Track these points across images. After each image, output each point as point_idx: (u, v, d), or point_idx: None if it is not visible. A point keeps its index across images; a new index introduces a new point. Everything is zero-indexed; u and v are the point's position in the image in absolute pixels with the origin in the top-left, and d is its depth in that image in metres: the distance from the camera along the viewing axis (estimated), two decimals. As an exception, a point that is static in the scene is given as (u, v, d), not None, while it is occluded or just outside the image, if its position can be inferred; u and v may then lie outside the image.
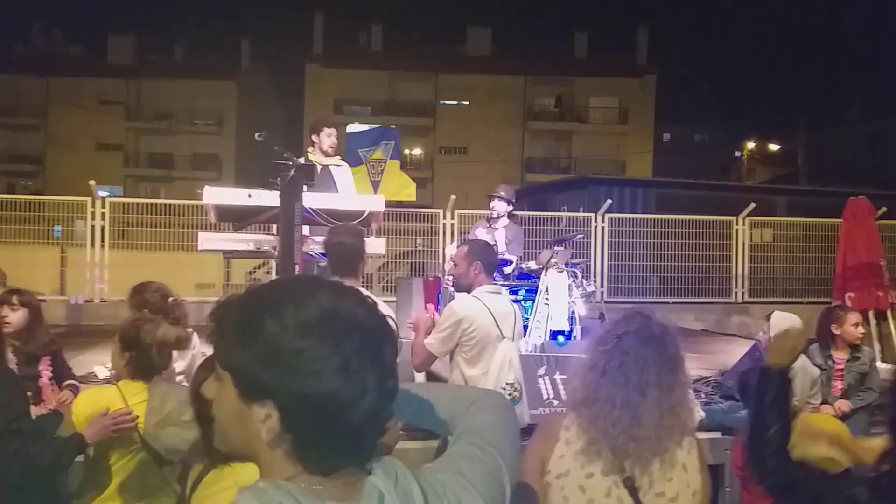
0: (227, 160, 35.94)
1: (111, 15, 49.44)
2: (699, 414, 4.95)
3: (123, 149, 36.52)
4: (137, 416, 2.55)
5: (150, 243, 10.05)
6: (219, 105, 36.50)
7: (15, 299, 3.50)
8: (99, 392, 2.78)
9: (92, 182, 9.35)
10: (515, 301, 6.11)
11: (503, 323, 3.34)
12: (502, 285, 6.12)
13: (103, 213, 9.43)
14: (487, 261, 3.52)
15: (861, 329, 4.85)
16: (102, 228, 9.43)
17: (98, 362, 5.12)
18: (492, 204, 6.58)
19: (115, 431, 2.52)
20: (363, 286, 10.12)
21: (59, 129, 35.43)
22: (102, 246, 9.42)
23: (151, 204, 10.64)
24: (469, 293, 3.46)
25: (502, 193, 6.62)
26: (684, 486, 1.80)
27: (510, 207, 6.64)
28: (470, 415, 1.19)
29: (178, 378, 3.61)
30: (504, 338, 3.33)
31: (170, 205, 10.26)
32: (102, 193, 9.90)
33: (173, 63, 38.18)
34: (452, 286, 5.96)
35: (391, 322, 0.98)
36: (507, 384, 3.23)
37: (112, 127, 35.55)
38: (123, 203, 10.39)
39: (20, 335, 3.47)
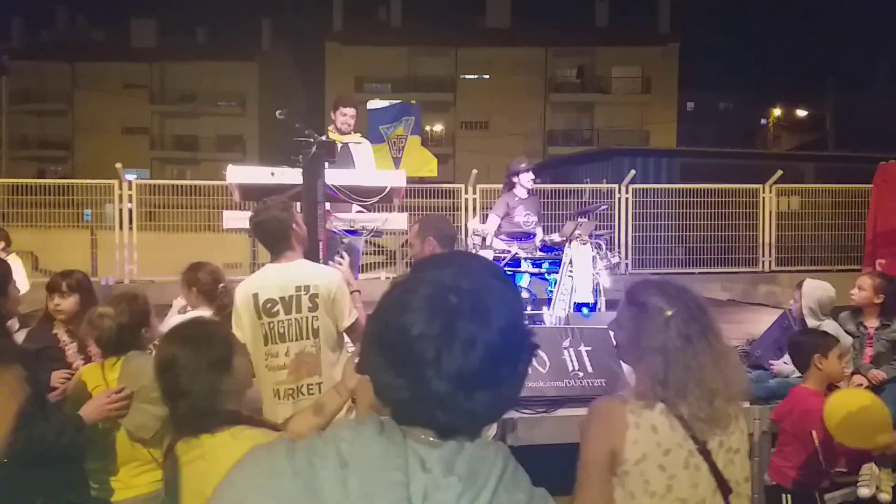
0: (251, 140, 36.21)
1: (132, -1, 49.60)
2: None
3: (149, 132, 36.95)
4: (130, 394, 2.58)
5: (177, 224, 10.19)
6: (241, 86, 36.70)
7: (64, 285, 3.29)
8: (83, 371, 2.84)
9: (119, 165, 9.50)
10: (536, 275, 6.16)
11: None
12: (525, 259, 6.15)
13: (130, 196, 9.58)
14: (441, 234, 3.37)
15: (859, 292, 4.80)
16: (130, 211, 9.58)
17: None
18: (531, 176, 6.51)
19: (111, 410, 2.56)
20: (388, 262, 10.10)
21: (85, 114, 35.99)
22: (131, 228, 9.58)
23: (178, 185, 10.78)
24: None
25: (526, 165, 6.62)
26: (741, 434, 1.84)
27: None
28: None
29: None
30: None
31: (195, 185, 10.39)
32: (129, 176, 10.06)
33: (195, 45, 38.43)
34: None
35: None
36: None
37: (137, 110, 35.99)
38: (150, 185, 10.53)
39: (73, 320, 3.24)
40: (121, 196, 9.54)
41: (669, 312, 1.82)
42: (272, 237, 2.96)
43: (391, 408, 0.93)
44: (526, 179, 6.45)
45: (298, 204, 4.08)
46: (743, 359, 5.81)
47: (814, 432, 3.63)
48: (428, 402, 0.89)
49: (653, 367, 1.79)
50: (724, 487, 1.78)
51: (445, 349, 0.87)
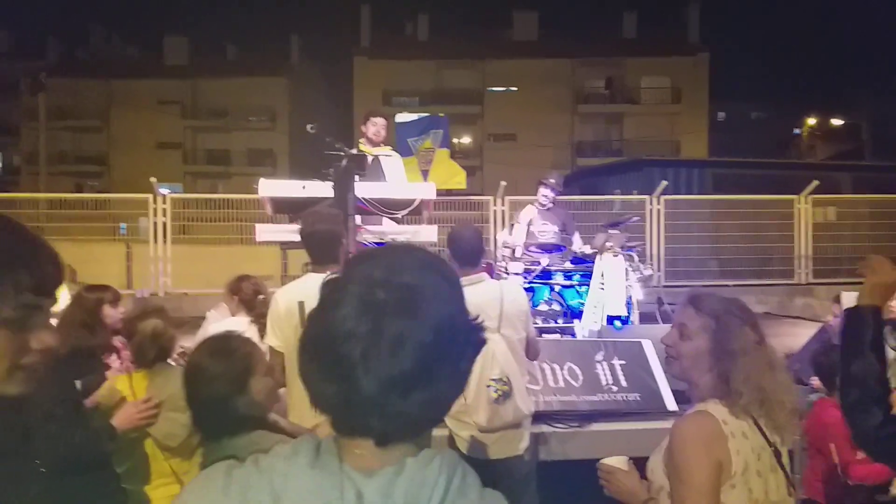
0: (282, 154, 36.68)
1: (166, 16, 50.87)
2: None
3: (182, 147, 37.66)
4: (159, 404, 2.65)
5: (210, 237, 10.33)
6: (271, 101, 37.24)
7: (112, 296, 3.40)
8: (113, 382, 2.91)
9: (153, 179, 9.67)
10: (568, 287, 6.10)
11: (482, 315, 3.14)
12: (556, 271, 6.10)
13: (164, 210, 9.75)
14: (458, 250, 3.30)
15: None
16: (164, 224, 9.74)
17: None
18: (546, 192, 6.49)
19: (141, 419, 2.63)
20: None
21: (120, 130, 36.79)
22: (165, 241, 9.73)
23: (210, 199, 10.94)
24: None
25: (552, 180, 6.58)
26: (791, 435, 1.89)
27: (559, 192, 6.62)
28: None
29: None
30: (486, 331, 3.14)
31: (228, 199, 10.53)
32: (163, 191, 10.24)
33: (226, 61, 39.15)
34: (506, 272, 5.97)
35: None
36: (491, 381, 3.02)
37: (170, 126, 36.72)
38: (183, 199, 10.71)
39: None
40: (155, 210, 9.70)
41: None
42: (322, 248, 2.98)
43: (327, 417, 0.88)
44: (541, 194, 6.45)
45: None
46: (781, 373, 5.70)
47: (832, 445, 3.57)
48: (361, 407, 0.84)
49: (733, 372, 1.80)
50: (790, 488, 1.83)
51: (373, 349, 0.82)
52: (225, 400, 1.92)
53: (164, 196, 9.83)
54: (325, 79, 40.99)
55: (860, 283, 1.92)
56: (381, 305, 0.84)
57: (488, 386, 3.01)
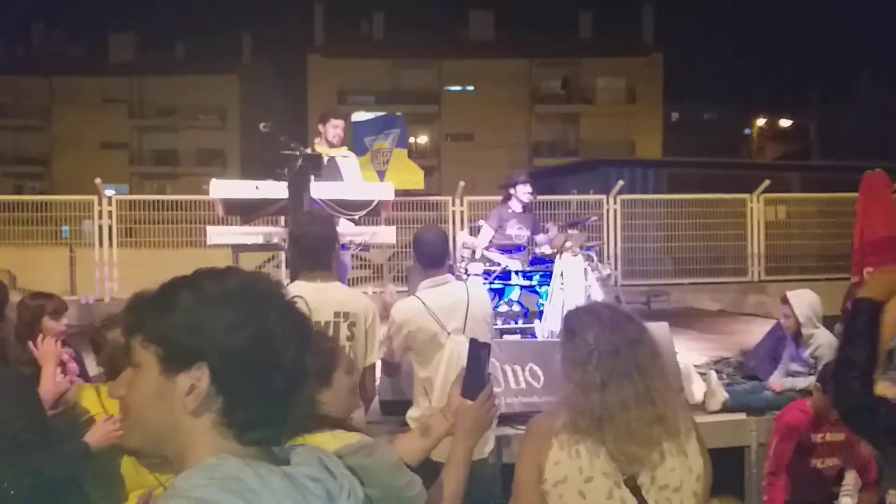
0: (233, 155, 35.93)
1: (111, 14, 49.37)
2: (720, 394, 4.88)
3: (128, 147, 36.51)
4: None
5: (158, 240, 9.99)
6: (222, 100, 36.41)
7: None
8: (77, 396, 2.74)
9: (98, 180, 9.28)
10: (527, 287, 6.04)
11: (447, 317, 3.07)
12: (516, 272, 6.04)
13: (110, 212, 9.37)
14: (422, 251, 3.24)
15: None
16: (110, 227, 9.36)
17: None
18: (528, 189, 6.31)
19: (119, 436, 2.45)
20: (375, 276, 10.00)
21: (63, 130, 35.46)
22: (111, 245, 9.35)
23: (158, 201, 10.57)
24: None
25: (524, 177, 6.49)
26: (687, 473, 1.75)
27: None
28: None
29: None
30: (450, 333, 3.06)
31: (176, 201, 10.18)
32: (108, 192, 9.85)
33: (174, 59, 38.10)
34: (466, 273, 5.88)
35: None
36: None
37: (116, 125, 35.56)
38: (130, 201, 10.31)
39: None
40: (100, 212, 9.31)
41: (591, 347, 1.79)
42: (313, 253, 2.78)
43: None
44: (522, 192, 6.27)
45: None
46: (737, 370, 5.76)
47: (774, 440, 3.65)
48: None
49: (571, 397, 1.78)
50: None
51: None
52: (307, 400, 1.84)
53: (109, 198, 9.44)
54: (278, 77, 40.34)
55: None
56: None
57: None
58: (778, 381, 4.74)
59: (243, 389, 0.93)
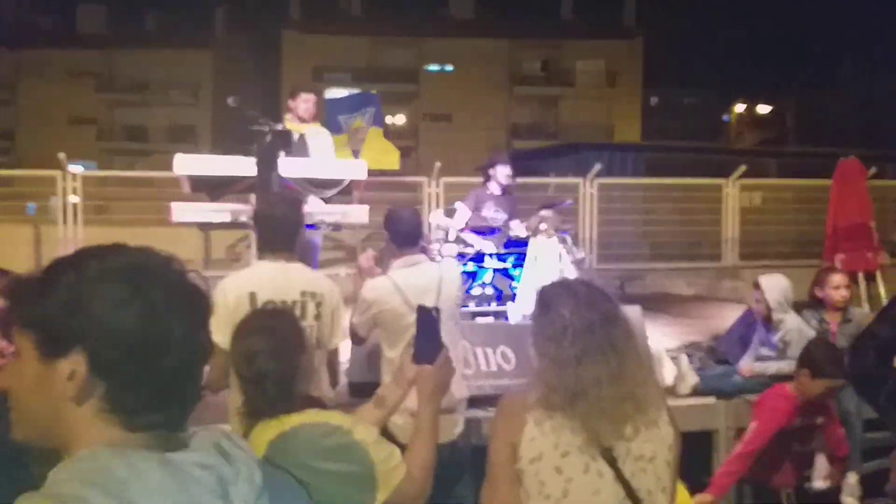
0: (204, 132, 35.34)
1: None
2: (690, 377, 4.88)
3: (96, 122, 35.66)
4: None
5: (128, 218, 9.74)
6: (194, 75, 35.74)
7: None
8: None
9: (62, 155, 8.97)
10: (500, 270, 5.97)
11: (420, 298, 2.98)
12: (490, 254, 5.96)
13: (75, 188, 9.09)
14: (394, 231, 3.25)
15: (843, 291, 4.80)
16: (75, 204, 9.09)
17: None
18: (501, 172, 6.17)
19: None
20: (348, 258, 9.87)
21: (29, 104, 34.51)
22: (75, 223, 9.09)
23: (126, 177, 10.31)
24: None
25: (504, 157, 6.38)
26: (659, 443, 1.78)
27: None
28: None
29: None
30: None
31: (145, 177, 9.93)
32: (76, 168, 9.55)
33: (146, 32, 37.24)
34: (439, 255, 5.79)
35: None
36: None
37: (84, 100, 34.69)
38: (97, 177, 10.04)
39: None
40: (65, 188, 9.03)
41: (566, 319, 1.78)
42: (278, 234, 2.76)
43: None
44: (502, 173, 6.13)
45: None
46: (709, 354, 5.76)
47: (753, 424, 3.67)
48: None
49: (545, 373, 1.78)
50: (632, 497, 1.72)
51: None
52: (289, 374, 1.91)
53: (74, 174, 9.16)
54: (252, 53, 39.56)
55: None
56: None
57: None
58: (747, 365, 4.76)
59: (127, 373, 0.87)
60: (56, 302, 0.88)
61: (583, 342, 1.75)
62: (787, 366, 4.26)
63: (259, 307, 2.63)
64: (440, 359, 1.83)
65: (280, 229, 2.77)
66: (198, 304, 0.95)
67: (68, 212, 9.05)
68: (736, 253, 10.31)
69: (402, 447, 1.82)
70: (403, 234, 3.23)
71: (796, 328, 4.56)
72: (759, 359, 4.75)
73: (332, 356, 2.82)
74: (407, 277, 3.12)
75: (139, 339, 0.87)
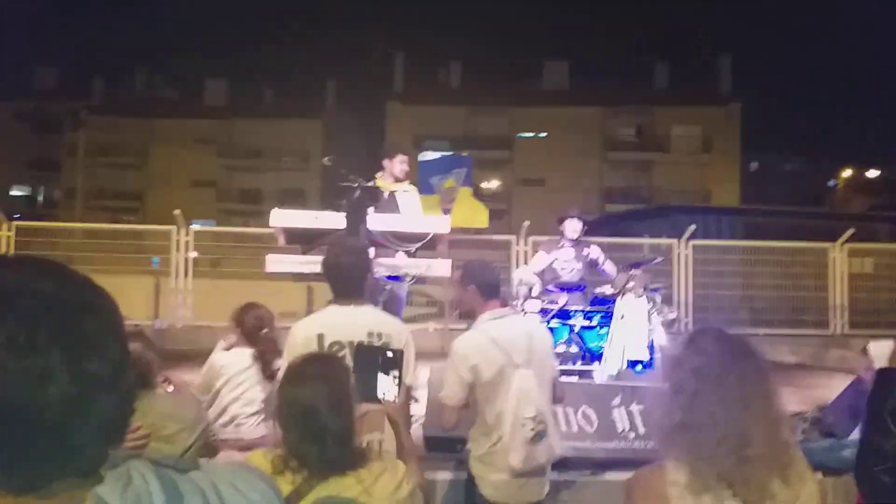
0: (313, 195, 37.20)
1: (208, 59, 52.67)
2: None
3: (216, 185, 38.44)
4: (149, 434, 2.50)
5: (238, 271, 10.32)
6: (305, 142, 38.06)
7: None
8: None
9: (177, 212, 9.75)
10: (587, 328, 5.89)
11: (513, 350, 2.96)
12: (575, 311, 5.91)
13: (187, 242, 9.80)
14: (482, 282, 3.15)
15: None
16: (186, 258, 9.78)
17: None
18: (576, 226, 6.23)
19: (131, 449, 2.49)
20: (437, 312, 9.95)
21: (157, 167, 37.81)
22: (186, 275, 9.76)
23: (236, 233, 11.01)
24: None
25: (574, 213, 6.37)
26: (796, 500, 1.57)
27: (585, 228, 6.37)
28: None
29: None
30: (518, 367, 2.94)
31: (252, 233, 10.56)
32: (195, 226, 10.33)
33: (263, 104, 40.24)
34: (523, 311, 5.80)
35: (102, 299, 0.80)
36: (526, 419, 2.83)
37: (206, 165, 37.60)
38: (210, 232, 10.79)
39: None
40: (178, 243, 9.76)
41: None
42: (346, 280, 2.84)
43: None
44: (570, 227, 6.19)
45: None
46: (814, 426, 5.37)
47: None
48: None
49: (685, 437, 1.56)
50: None
51: None
52: (349, 429, 1.87)
53: (187, 228, 9.90)
54: (359, 122, 41.71)
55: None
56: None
57: (523, 425, 2.83)
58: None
59: None
60: None
61: (724, 375, 1.57)
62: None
63: (324, 348, 2.69)
64: (401, 395, 1.91)
65: (347, 277, 2.84)
66: (89, 324, 0.76)
67: (180, 264, 9.75)
68: (845, 320, 9.67)
69: None
70: (488, 285, 3.16)
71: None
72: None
73: (406, 394, 2.77)
74: (498, 330, 3.03)
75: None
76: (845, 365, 8.26)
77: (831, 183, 38.21)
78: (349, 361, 2.59)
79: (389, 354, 2.15)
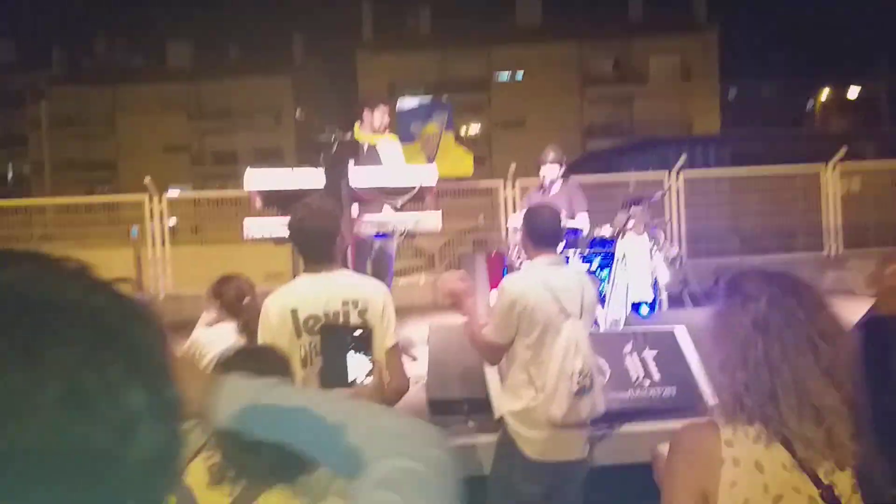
0: (289, 152, 36.58)
1: (168, 21, 50.82)
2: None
3: (189, 149, 37.58)
4: None
5: (218, 236, 10.01)
6: (276, 99, 37.16)
7: None
8: None
9: (147, 179, 9.36)
10: (589, 272, 5.66)
11: (565, 299, 2.83)
12: (576, 255, 5.68)
13: (161, 211, 9.48)
14: (532, 227, 3.01)
15: None
16: (162, 226, 9.47)
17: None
18: (542, 172, 5.80)
19: None
20: (426, 264, 9.77)
21: (127, 135, 36.85)
22: (163, 243, 9.46)
23: (213, 198, 10.66)
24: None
25: (551, 156, 5.80)
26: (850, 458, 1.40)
27: (562, 170, 5.83)
28: (384, 465, 0.78)
29: None
30: (569, 316, 2.82)
31: (231, 197, 10.22)
32: (173, 192, 9.97)
33: (229, 62, 39.13)
34: (518, 259, 5.56)
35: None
36: (574, 371, 2.74)
37: (177, 129, 36.67)
38: (186, 200, 10.42)
39: None
40: (152, 211, 9.41)
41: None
42: (314, 245, 2.61)
43: None
44: (547, 174, 5.71)
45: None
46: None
47: None
48: None
49: (739, 390, 1.41)
50: None
51: None
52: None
53: (160, 197, 9.54)
54: (329, 74, 40.76)
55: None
56: None
57: (570, 377, 2.74)
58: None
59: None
60: None
61: (781, 329, 1.40)
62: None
63: (300, 323, 2.49)
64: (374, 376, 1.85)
65: (314, 242, 2.61)
66: (142, 340, 0.57)
67: (155, 232, 9.42)
68: (840, 242, 9.57)
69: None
70: (543, 232, 3.00)
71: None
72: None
73: (391, 356, 2.55)
74: (554, 277, 2.90)
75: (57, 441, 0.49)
76: (843, 286, 8.19)
77: (809, 105, 38.01)
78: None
79: (358, 333, 1.93)
